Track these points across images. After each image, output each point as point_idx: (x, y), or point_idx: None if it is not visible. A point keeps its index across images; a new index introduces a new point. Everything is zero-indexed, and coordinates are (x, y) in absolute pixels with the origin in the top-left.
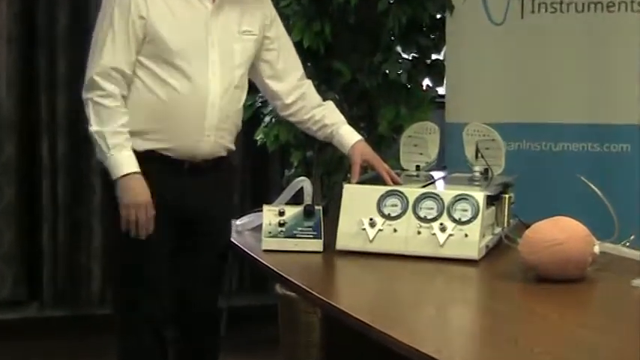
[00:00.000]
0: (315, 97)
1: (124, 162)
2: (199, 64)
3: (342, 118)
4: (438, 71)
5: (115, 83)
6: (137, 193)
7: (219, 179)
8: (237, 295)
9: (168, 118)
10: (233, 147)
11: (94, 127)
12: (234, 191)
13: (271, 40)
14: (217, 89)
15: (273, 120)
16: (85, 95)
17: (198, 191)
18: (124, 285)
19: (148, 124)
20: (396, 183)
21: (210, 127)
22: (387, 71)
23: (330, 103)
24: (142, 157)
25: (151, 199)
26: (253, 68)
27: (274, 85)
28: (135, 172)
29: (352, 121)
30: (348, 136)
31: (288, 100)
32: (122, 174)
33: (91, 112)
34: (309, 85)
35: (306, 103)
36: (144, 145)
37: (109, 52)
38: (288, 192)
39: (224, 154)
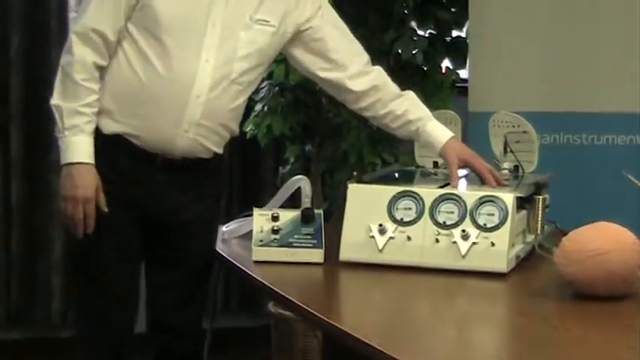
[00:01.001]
0: (392, 87)
1: (76, 148)
2: (191, 46)
3: (427, 111)
4: (459, 51)
5: (92, 47)
6: (77, 186)
7: (200, 179)
8: (223, 314)
9: (144, 102)
10: (218, 150)
11: (54, 100)
12: (221, 193)
13: (315, 30)
14: (207, 79)
15: (266, 108)
16: (61, 59)
17: (173, 191)
18: (83, 298)
19: (121, 104)
20: (499, 185)
21: (189, 122)
22: (400, 51)
23: (411, 94)
24: (109, 141)
25: (93, 196)
26: (303, 67)
27: (335, 76)
28: (85, 163)
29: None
30: (438, 134)
31: (358, 88)
32: (69, 161)
33: (57, 80)
34: (379, 73)
35: (381, 95)
36: (112, 127)
37: (95, 11)
38: (283, 193)
39: (206, 156)
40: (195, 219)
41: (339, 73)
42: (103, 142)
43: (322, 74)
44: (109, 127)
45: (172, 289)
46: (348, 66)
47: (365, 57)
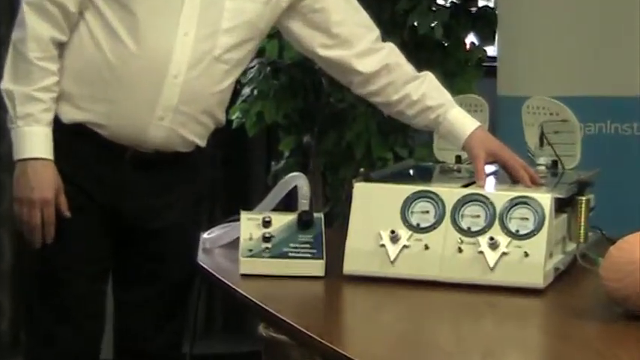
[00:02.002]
0: (407, 68)
1: (31, 141)
2: (167, 17)
3: (449, 96)
4: (486, 23)
5: (48, 20)
6: (33, 186)
7: (178, 177)
8: (206, 337)
9: (111, 84)
10: (200, 143)
11: (4, 84)
12: (203, 194)
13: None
14: (185, 56)
15: (255, 92)
16: (12, 35)
17: (145, 191)
18: (37, 319)
19: (84, 87)
20: (535, 184)
21: (165, 107)
22: (416, 23)
23: (430, 75)
24: (70, 131)
25: (53, 198)
26: (300, 43)
27: (338, 54)
28: (42, 159)
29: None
30: (462, 123)
31: (366, 69)
32: (23, 156)
33: (8, 60)
34: (391, 50)
35: (394, 76)
36: (73, 115)
37: None
38: (277, 194)
39: (185, 149)
40: (173, 225)
41: (343, 50)
42: (63, 133)
43: (323, 52)
44: (70, 114)
45: (145, 309)
46: (355, 42)
47: (375, 32)
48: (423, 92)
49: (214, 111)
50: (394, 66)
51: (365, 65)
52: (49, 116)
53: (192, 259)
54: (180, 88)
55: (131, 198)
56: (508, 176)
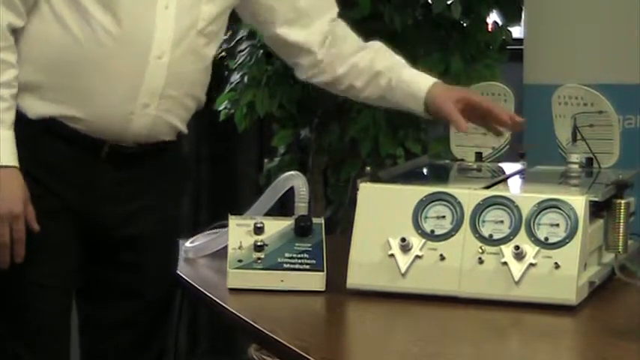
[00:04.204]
0: (352, 38)
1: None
2: None
3: (399, 58)
4: (511, 0)
5: (3, 2)
6: (7, 192)
7: (158, 173)
8: None
9: (85, 70)
10: (183, 129)
11: None
12: (182, 196)
13: None
14: (168, 33)
15: (246, 79)
16: None
17: (122, 192)
18: (1, 336)
19: (52, 76)
20: (515, 123)
21: (150, 93)
22: (430, 1)
23: (378, 44)
24: (36, 128)
25: (22, 212)
26: (256, 15)
27: (296, 35)
28: (7, 167)
29: None
30: (418, 80)
31: (320, 55)
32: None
33: None
34: (336, 24)
35: (338, 48)
36: (40, 109)
37: None
38: (270, 196)
39: (169, 137)
40: (151, 231)
41: (301, 30)
42: (28, 130)
43: (281, 30)
44: (36, 108)
45: (120, 331)
46: (314, 21)
47: (334, 9)
48: (370, 58)
49: (198, 92)
50: (339, 40)
51: (320, 49)
52: (11, 116)
53: (172, 270)
54: (167, 70)
55: (107, 200)
56: (484, 123)
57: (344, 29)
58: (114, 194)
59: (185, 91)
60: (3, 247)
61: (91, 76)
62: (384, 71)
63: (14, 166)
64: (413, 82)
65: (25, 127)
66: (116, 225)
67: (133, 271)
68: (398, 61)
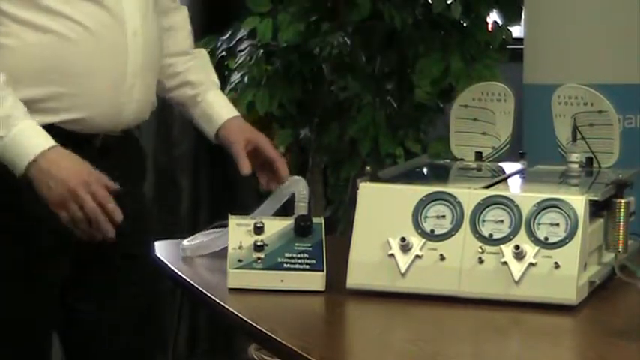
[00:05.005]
0: (184, 38)
1: (26, 137)
2: None
3: (215, 78)
4: (511, 0)
5: None
6: (62, 178)
7: (128, 162)
8: None
9: (77, 68)
10: (155, 104)
11: None
12: (145, 179)
13: None
14: (135, 9)
15: (246, 79)
16: None
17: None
18: None
19: (42, 84)
20: (280, 181)
21: (134, 74)
22: (430, 0)
23: (203, 52)
24: None
25: (91, 176)
26: None
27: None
28: (52, 147)
29: (373, 81)
30: (220, 107)
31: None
32: (30, 159)
33: None
34: (180, 15)
35: (167, 43)
36: (40, 121)
37: None
38: (275, 200)
39: (147, 117)
40: (131, 219)
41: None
42: None
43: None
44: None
45: (108, 329)
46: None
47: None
48: (189, 66)
49: (158, 64)
50: (172, 35)
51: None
52: (21, 109)
53: (155, 262)
54: (143, 45)
55: None
56: (262, 169)
57: (180, 18)
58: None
59: (157, 65)
60: (96, 218)
61: (83, 74)
62: (196, 84)
63: (56, 145)
64: (215, 107)
65: None
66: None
67: (121, 265)
68: (212, 81)
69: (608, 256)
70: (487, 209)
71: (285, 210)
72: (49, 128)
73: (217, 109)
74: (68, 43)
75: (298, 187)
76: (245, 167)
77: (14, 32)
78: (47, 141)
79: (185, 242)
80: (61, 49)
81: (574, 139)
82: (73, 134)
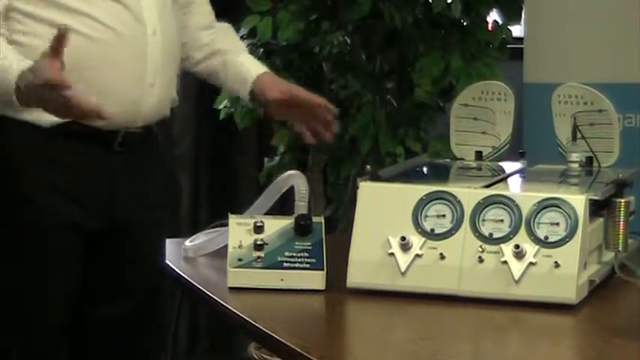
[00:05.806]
0: (208, 13)
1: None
2: None
3: (242, 45)
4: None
5: None
6: (34, 74)
7: (151, 158)
8: (189, 359)
9: (98, 66)
10: (176, 99)
11: None
12: (167, 178)
13: None
14: (152, 6)
15: None
16: None
17: (131, 183)
18: None
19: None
20: (328, 127)
21: (153, 72)
22: None
23: (226, 25)
24: (51, 136)
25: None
26: None
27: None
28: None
29: (373, 79)
30: (251, 64)
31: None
32: (17, 73)
33: None
34: None
35: (190, 20)
36: (56, 118)
37: None
38: (270, 195)
39: (167, 113)
40: (146, 219)
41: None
42: (43, 138)
43: None
44: (49, 116)
45: (113, 328)
46: None
47: None
48: (214, 37)
49: (180, 54)
50: (193, 12)
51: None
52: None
53: (161, 261)
54: (162, 42)
55: (122, 192)
56: (306, 118)
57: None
58: (123, 183)
59: (175, 58)
60: (66, 106)
61: (102, 69)
62: (223, 51)
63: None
64: (245, 65)
65: (41, 137)
66: (122, 218)
67: (129, 268)
68: (240, 46)
69: (608, 255)
70: (487, 208)
71: (284, 208)
72: (71, 125)
73: (248, 66)
74: (89, 41)
75: (297, 182)
76: (315, 99)
77: (35, 31)
78: (15, 58)
79: (187, 243)
80: (82, 47)
81: (574, 138)
82: (94, 131)
